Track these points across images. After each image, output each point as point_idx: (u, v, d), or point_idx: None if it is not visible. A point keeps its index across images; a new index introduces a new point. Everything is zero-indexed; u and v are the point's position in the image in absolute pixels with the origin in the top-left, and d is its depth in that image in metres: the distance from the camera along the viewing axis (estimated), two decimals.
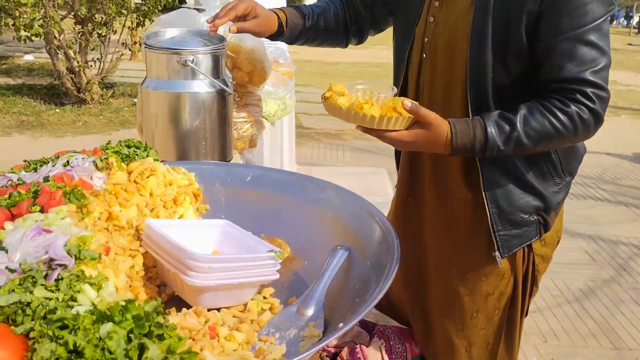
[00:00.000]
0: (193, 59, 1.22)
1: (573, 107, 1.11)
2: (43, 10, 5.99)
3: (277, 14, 1.42)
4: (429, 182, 1.36)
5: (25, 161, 0.97)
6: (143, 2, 6.71)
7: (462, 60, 1.21)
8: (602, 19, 1.11)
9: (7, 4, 5.94)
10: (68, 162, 0.81)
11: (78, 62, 6.61)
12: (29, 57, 9.27)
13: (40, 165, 0.86)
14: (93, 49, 6.75)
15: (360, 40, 1.57)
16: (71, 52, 6.50)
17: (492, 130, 1.13)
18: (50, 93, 7.21)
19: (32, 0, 5.79)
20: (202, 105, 1.26)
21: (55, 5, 6.27)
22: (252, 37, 1.67)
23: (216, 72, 1.28)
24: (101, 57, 6.94)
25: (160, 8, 6.86)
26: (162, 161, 1.05)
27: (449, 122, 1.15)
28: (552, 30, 1.12)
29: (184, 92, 1.24)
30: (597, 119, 1.13)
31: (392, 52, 1.45)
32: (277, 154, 2.73)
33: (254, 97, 1.72)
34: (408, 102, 1.13)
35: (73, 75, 6.76)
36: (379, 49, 16.15)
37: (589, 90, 1.11)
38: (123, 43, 7.03)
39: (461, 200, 1.31)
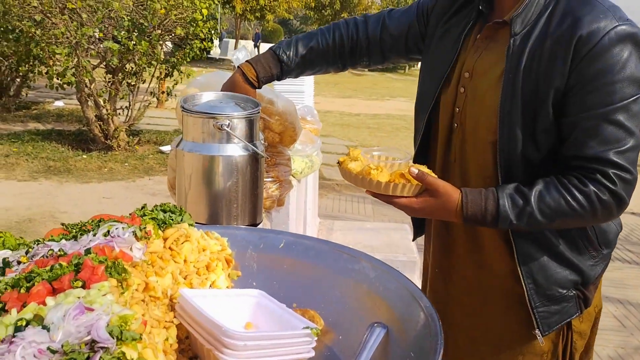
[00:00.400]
0: (229, 123, 1.24)
1: (591, 187, 1.09)
2: (76, 59, 6.21)
3: (243, 74, 1.42)
4: (463, 254, 1.34)
5: (63, 225, 0.98)
6: (172, 55, 6.91)
7: (492, 134, 1.21)
8: (631, 99, 1.09)
9: (42, 53, 6.17)
10: (108, 232, 0.81)
11: (107, 110, 6.79)
12: (59, 104, 9.55)
13: (80, 234, 0.86)
14: (122, 98, 6.94)
15: (368, 66, 1.58)
16: (101, 101, 6.68)
17: (504, 203, 1.13)
18: (78, 139, 7.38)
19: (66, 50, 6.02)
20: (236, 168, 1.27)
21: (88, 55, 6.50)
22: (283, 98, 1.70)
23: (250, 135, 1.29)
24: (129, 105, 7.12)
25: (188, 59, 7.06)
26: (195, 225, 1.05)
27: (461, 191, 1.16)
28: (578, 107, 1.12)
29: (219, 155, 1.25)
30: (619, 201, 1.10)
31: (415, 108, 1.45)
32: (301, 208, 2.73)
33: (283, 157, 1.73)
34: (415, 169, 1.15)
35: (101, 123, 6.93)
36: (399, 100, 16.37)
37: (610, 171, 1.09)
38: (151, 92, 7.23)
39: (497, 273, 1.29)
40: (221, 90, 1.42)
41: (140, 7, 6.49)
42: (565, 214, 1.12)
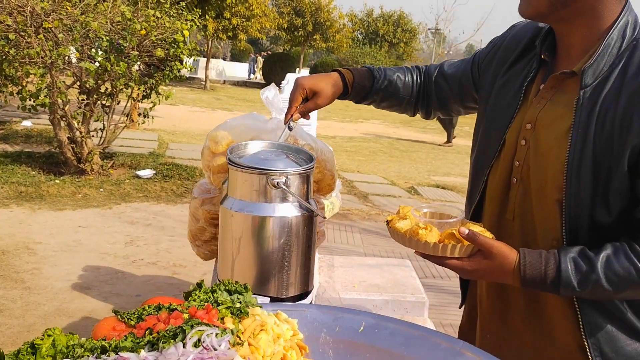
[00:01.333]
0: (285, 180, 1.09)
1: None
2: (50, 80, 5.94)
3: (342, 74, 1.44)
4: (521, 321, 1.23)
5: (116, 314, 0.81)
6: (150, 76, 6.70)
7: (558, 192, 1.11)
8: None
9: (16, 73, 5.89)
10: (199, 340, 0.65)
11: (81, 132, 6.51)
12: (27, 123, 9.18)
13: (160, 341, 0.69)
14: (97, 120, 6.68)
15: (427, 115, 1.57)
16: (75, 123, 6.41)
17: (567, 267, 1.03)
18: (49, 162, 7.07)
19: (40, 71, 5.76)
20: (290, 230, 1.12)
21: (63, 75, 6.23)
22: (321, 142, 1.56)
23: (306, 193, 1.15)
24: (104, 127, 6.85)
25: (167, 81, 6.86)
26: (259, 303, 0.90)
27: (519, 252, 1.08)
28: None
29: (273, 215, 1.10)
30: None
31: (473, 163, 1.36)
32: None
33: (319, 206, 1.59)
34: (465, 229, 1.08)
35: (74, 145, 6.64)
36: (372, 123, 16.41)
37: None
38: (126, 114, 6.98)
39: (560, 344, 1.17)
40: (305, 83, 1.38)
41: (118, 27, 6.28)
42: (635, 284, 1.02)
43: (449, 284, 4.40)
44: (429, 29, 38.49)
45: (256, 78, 29.14)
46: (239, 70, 31.99)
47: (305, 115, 1.40)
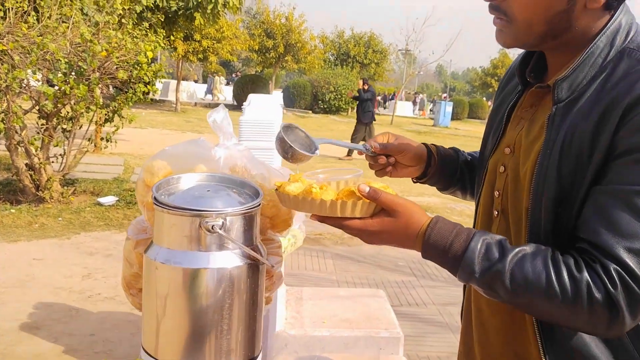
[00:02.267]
0: (222, 223, 0.89)
1: (586, 275, 0.83)
2: (6, 104, 5.65)
3: (424, 144, 1.30)
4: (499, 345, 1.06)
5: None
6: (113, 99, 6.45)
7: (526, 226, 0.97)
8: None
9: None
10: None
11: (39, 158, 6.21)
12: None
13: None
14: (56, 145, 6.38)
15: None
16: (32, 149, 6.11)
17: (476, 247, 0.88)
18: (6, 190, 6.73)
19: None
20: (230, 284, 0.91)
21: (20, 99, 5.95)
22: (276, 172, 1.36)
23: (250, 237, 0.94)
24: (64, 153, 6.55)
25: (131, 104, 6.62)
26: None
27: (434, 217, 0.95)
28: (600, 177, 0.87)
29: (207, 267, 0.90)
30: (614, 312, 0.82)
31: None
32: None
33: (273, 245, 1.38)
34: (365, 186, 0.94)
35: (32, 172, 6.32)
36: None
37: (613, 267, 0.82)
38: (89, 138, 6.70)
39: None
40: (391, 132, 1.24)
41: (79, 49, 6.03)
42: (538, 293, 0.85)
43: (424, 311, 4.21)
44: (399, 49, 38.94)
45: (216, 98, 28.85)
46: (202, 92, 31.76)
47: (384, 151, 1.24)
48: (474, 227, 1.15)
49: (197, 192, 0.95)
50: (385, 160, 1.25)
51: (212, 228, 0.88)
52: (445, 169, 1.31)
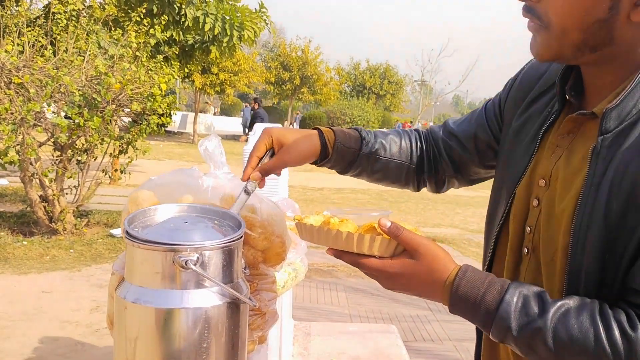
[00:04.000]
0: (198, 258, 0.81)
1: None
2: (21, 137, 5.70)
3: (321, 132, 1.16)
4: None
5: None
6: (127, 130, 6.48)
7: (562, 268, 0.86)
8: None
9: None
10: None
11: (53, 190, 6.22)
12: (2, 182, 8.88)
13: None
14: (70, 177, 6.40)
15: (438, 185, 1.27)
16: (46, 181, 6.13)
17: (512, 300, 0.79)
18: (20, 221, 6.74)
19: (9, 127, 5.51)
20: (207, 325, 0.83)
21: (34, 131, 6.00)
22: (269, 203, 1.29)
23: (229, 274, 0.86)
24: (78, 184, 6.57)
25: (145, 136, 6.64)
26: None
27: (462, 265, 0.86)
28: None
29: (181, 307, 0.82)
30: None
31: (485, 224, 1.11)
32: (277, 326, 2.27)
33: (267, 280, 1.30)
34: (386, 221, 0.86)
35: (46, 204, 6.34)
36: None
37: None
38: (103, 170, 6.72)
39: None
40: (273, 132, 1.12)
41: (93, 81, 6.09)
42: (585, 353, 0.75)
43: (440, 347, 4.05)
44: (415, 80, 39.11)
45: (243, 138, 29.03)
46: (229, 124, 32.09)
47: (267, 173, 1.11)
48: (492, 262, 1.05)
49: (173, 225, 0.88)
50: (275, 172, 1.14)
51: (186, 264, 0.80)
52: (343, 161, 1.18)
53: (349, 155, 1.17)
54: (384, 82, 32.76)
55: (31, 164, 6.01)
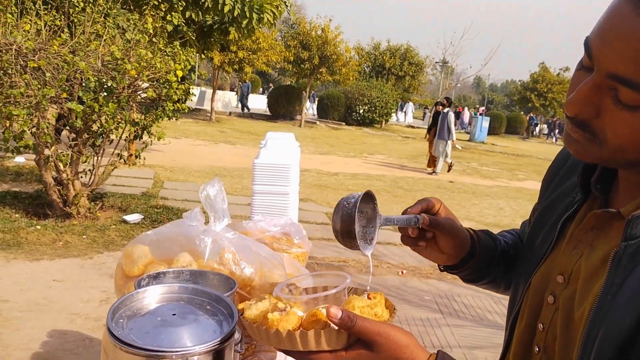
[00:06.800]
0: None
1: None
2: (36, 120, 5.69)
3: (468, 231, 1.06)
4: None
5: None
6: (143, 117, 6.44)
7: None
8: None
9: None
10: None
11: (67, 174, 6.23)
12: (19, 160, 8.93)
13: None
14: (84, 162, 6.40)
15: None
16: (61, 165, 6.13)
17: None
18: (35, 203, 6.78)
19: (25, 111, 5.50)
20: None
21: (50, 115, 5.99)
22: (267, 264, 1.23)
23: None
24: (93, 168, 6.58)
25: (160, 122, 6.60)
26: None
27: (440, 354, 0.78)
28: None
29: None
30: None
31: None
32: None
33: None
34: (336, 310, 0.73)
35: (60, 187, 6.35)
36: (377, 158, 16.10)
37: None
38: (118, 154, 6.71)
39: None
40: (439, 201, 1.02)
41: (109, 66, 6.04)
42: None
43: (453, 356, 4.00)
44: (436, 62, 38.54)
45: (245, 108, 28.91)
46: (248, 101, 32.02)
47: (431, 225, 0.99)
48: (505, 345, 0.97)
49: (159, 319, 0.82)
50: (425, 237, 1.02)
51: None
52: (482, 261, 1.09)
53: (489, 253, 1.08)
54: (404, 63, 32.31)
55: (47, 147, 6.01)
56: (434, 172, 13.93)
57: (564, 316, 0.82)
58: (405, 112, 37.87)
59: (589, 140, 0.78)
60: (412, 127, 33.18)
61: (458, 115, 37.26)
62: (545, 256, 0.91)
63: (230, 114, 26.66)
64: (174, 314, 0.84)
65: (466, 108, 40.00)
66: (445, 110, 13.70)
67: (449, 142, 13.64)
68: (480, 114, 30.23)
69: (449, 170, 14.12)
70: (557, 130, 36.31)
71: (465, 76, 36.30)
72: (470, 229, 1.09)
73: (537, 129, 39.20)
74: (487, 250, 1.08)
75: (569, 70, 40.48)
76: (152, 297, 0.87)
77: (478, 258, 1.06)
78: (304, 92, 24.72)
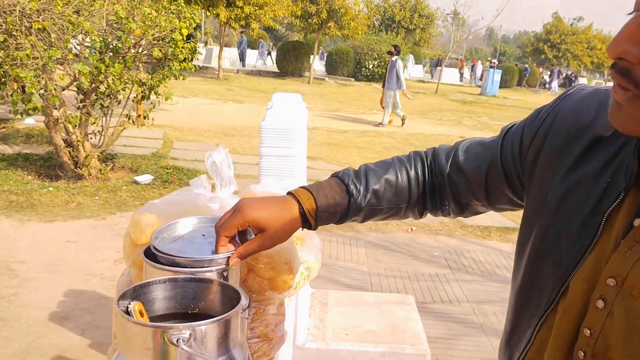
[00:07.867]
0: (190, 334, 0.77)
1: None
2: (44, 82, 5.68)
3: (299, 203, 1.01)
4: None
5: None
6: (149, 77, 6.40)
7: None
8: None
9: (4, 78, 5.63)
10: None
11: (77, 136, 6.26)
12: (29, 121, 8.96)
13: None
14: (93, 123, 6.41)
15: (442, 212, 1.13)
16: (70, 127, 6.15)
17: None
18: (46, 165, 6.84)
19: (32, 73, 5.48)
20: None
21: (57, 77, 5.97)
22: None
23: (225, 345, 0.82)
24: (102, 129, 6.59)
25: (167, 82, 6.56)
26: None
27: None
28: None
29: None
30: None
31: (512, 294, 0.97)
32: (291, 314, 2.26)
33: (273, 303, 1.26)
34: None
35: (71, 149, 6.39)
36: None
37: None
38: (127, 115, 6.71)
39: None
40: (246, 214, 0.96)
41: (114, 26, 5.98)
42: None
43: (458, 310, 4.06)
44: (447, 13, 37.69)
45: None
46: (253, 58, 31.66)
47: (246, 257, 0.99)
48: (525, 347, 0.89)
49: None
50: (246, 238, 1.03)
51: (177, 342, 0.76)
52: (331, 220, 1.05)
53: (335, 217, 1.05)
54: (415, 15, 31.64)
55: (55, 108, 6.01)
56: (380, 123, 13.36)
57: (622, 324, 0.75)
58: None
59: (633, 97, 0.68)
60: (423, 81, 32.74)
61: (472, 69, 36.61)
62: (585, 254, 0.80)
63: (237, 71, 26.42)
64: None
65: (479, 61, 39.23)
66: (394, 58, 12.95)
67: (397, 92, 13.02)
68: (492, 67, 29.66)
69: (402, 124, 13.37)
70: (556, 82, 34.97)
71: (477, 28, 35.51)
72: (310, 192, 1.03)
73: (554, 83, 38.12)
74: (330, 215, 1.04)
75: (583, 20, 39.42)
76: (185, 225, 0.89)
77: (320, 223, 1.04)
78: (313, 48, 24.36)
